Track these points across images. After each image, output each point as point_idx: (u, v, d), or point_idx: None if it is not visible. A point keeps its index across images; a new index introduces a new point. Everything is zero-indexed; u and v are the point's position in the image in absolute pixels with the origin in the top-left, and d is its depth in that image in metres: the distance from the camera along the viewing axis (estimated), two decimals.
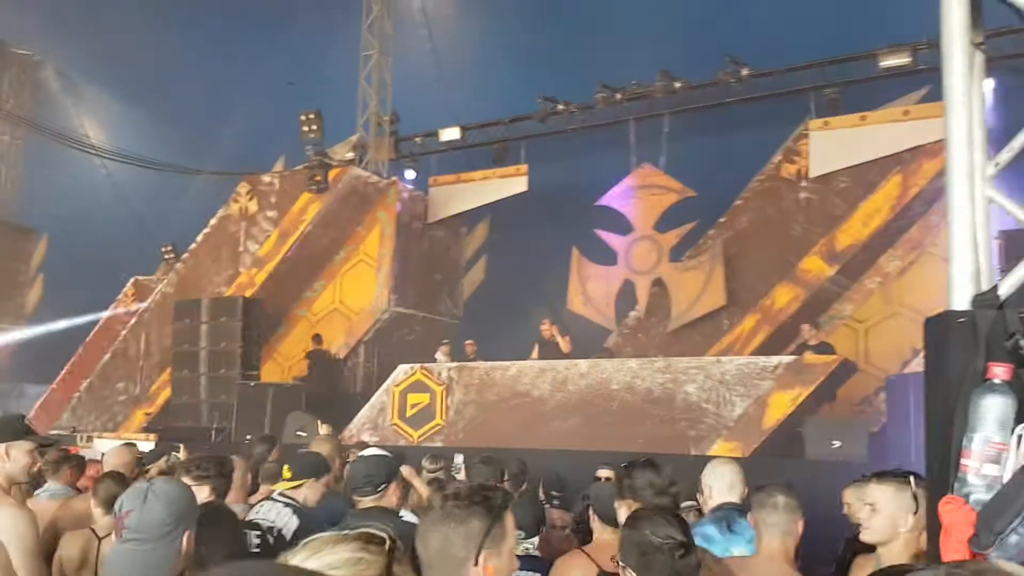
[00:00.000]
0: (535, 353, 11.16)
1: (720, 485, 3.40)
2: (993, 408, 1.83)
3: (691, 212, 12.49)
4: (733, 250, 12.24)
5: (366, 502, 3.25)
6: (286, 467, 3.91)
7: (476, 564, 1.70)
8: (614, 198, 13.04)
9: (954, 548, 1.72)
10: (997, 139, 2.33)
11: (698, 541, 3.21)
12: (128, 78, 15.29)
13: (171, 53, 14.82)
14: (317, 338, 13.48)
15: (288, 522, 3.62)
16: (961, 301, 2.05)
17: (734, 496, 3.37)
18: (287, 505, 3.72)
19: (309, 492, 3.85)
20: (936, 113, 10.80)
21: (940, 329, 2.09)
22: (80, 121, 16.00)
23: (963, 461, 1.85)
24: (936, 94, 10.94)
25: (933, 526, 1.88)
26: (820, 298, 11.79)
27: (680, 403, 9.38)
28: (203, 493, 3.33)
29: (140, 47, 14.73)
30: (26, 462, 3.01)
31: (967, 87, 1.98)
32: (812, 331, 10.33)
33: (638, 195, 12.86)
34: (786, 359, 9.25)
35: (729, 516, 3.25)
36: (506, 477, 5.57)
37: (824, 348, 9.90)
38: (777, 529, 2.89)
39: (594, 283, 12.97)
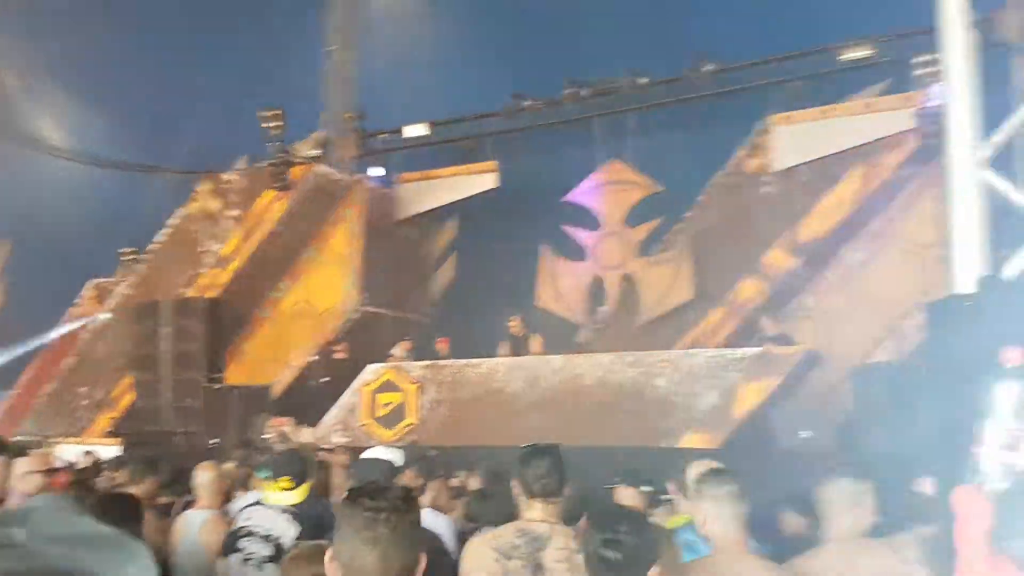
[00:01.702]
0: (504, 350, 11.13)
1: None
2: (1008, 393, 1.77)
3: (658, 207, 12.58)
4: (700, 244, 12.34)
5: None
6: (286, 477, 3.78)
7: None
8: (582, 194, 13.08)
9: (972, 540, 1.68)
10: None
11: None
12: (86, 78, 14.96)
13: (130, 51, 14.54)
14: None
15: (287, 530, 3.55)
16: (966, 284, 2.03)
17: None
18: (284, 511, 3.65)
19: (302, 496, 3.79)
20: (897, 106, 11.05)
21: (944, 313, 2.07)
22: (38, 123, 15.60)
23: (975, 449, 1.80)
24: (897, 87, 11.20)
25: (943, 515, 1.85)
26: (784, 291, 11.94)
27: (651, 396, 9.45)
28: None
29: (98, 46, 14.41)
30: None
31: (967, 67, 1.99)
32: (772, 323, 10.46)
33: (606, 191, 12.91)
34: (753, 351, 9.36)
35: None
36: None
37: (783, 339, 10.03)
38: (733, 519, 2.79)
39: (564, 279, 13.00)
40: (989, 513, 1.67)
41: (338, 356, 12.21)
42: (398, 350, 11.59)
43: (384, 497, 1.77)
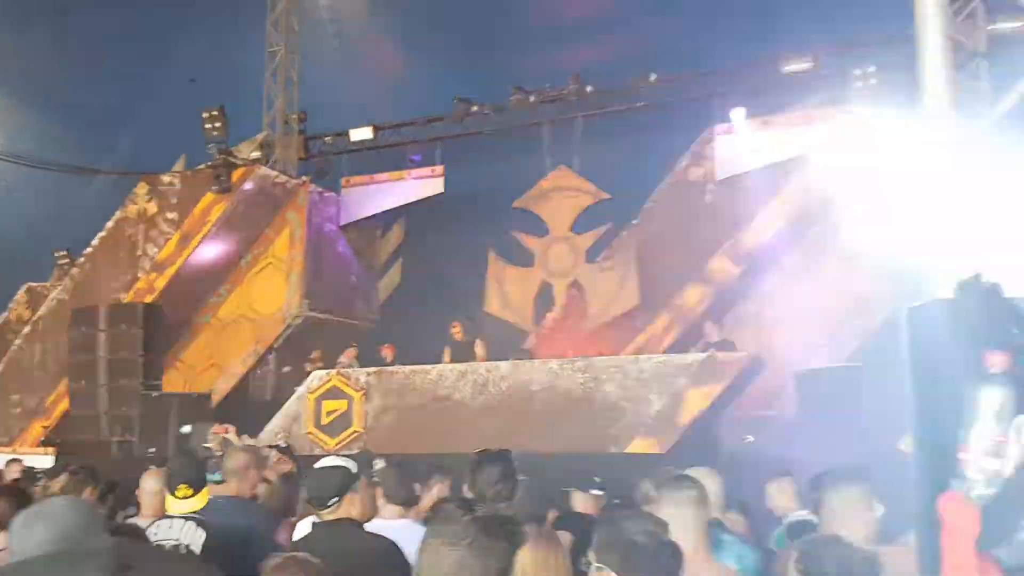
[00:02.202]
0: (447, 356, 11.06)
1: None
2: (991, 399, 1.76)
3: (605, 214, 12.69)
4: (646, 251, 12.49)
5: (324, 515, 3.15)
6: (183, 485, 3.76)
7: None
8: (530, 200, 13.11)
9: (959, 547, 1.70)
10: None
11: None
12: (19, 75, 14.40)
13: (66, 48, 14.05)
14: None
15: (195, 537, 3.53)
16: (945, 288, 2.00)
17: (714, 510, 3.23)
18: (188, 519, 3.62)
19: (203, 501, 3.79)
20: (836, 116, 11.35)
21: (926, 318, 2.04)
22: None
23: (961, 455, 1.80)
24: (836, 99, 11.50)
25: (927, 522, 1.86)
26: (727, 297, 12.16)
27: (600, 402, 9.50)
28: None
29: (33, 42, 13.90)
30: None
31: (943, 74, 2.02)
32: (715, 329, 10.64)
33: (554, 197, 12.97)
34: (700, 356, 9.49)
35: (711, 534, 3.07)
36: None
37: (726, 345, 10.20)
38: (697, 522, 2.82)
39: (511, 285, 13.01)
40: (976, 520, 1.69)
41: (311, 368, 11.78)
42: (344, 358, 11.43)
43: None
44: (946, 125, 2.00)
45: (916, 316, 2.11)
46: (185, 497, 3.73)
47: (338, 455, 3.91)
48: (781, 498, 5.21)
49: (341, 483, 3.23)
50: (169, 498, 3.81)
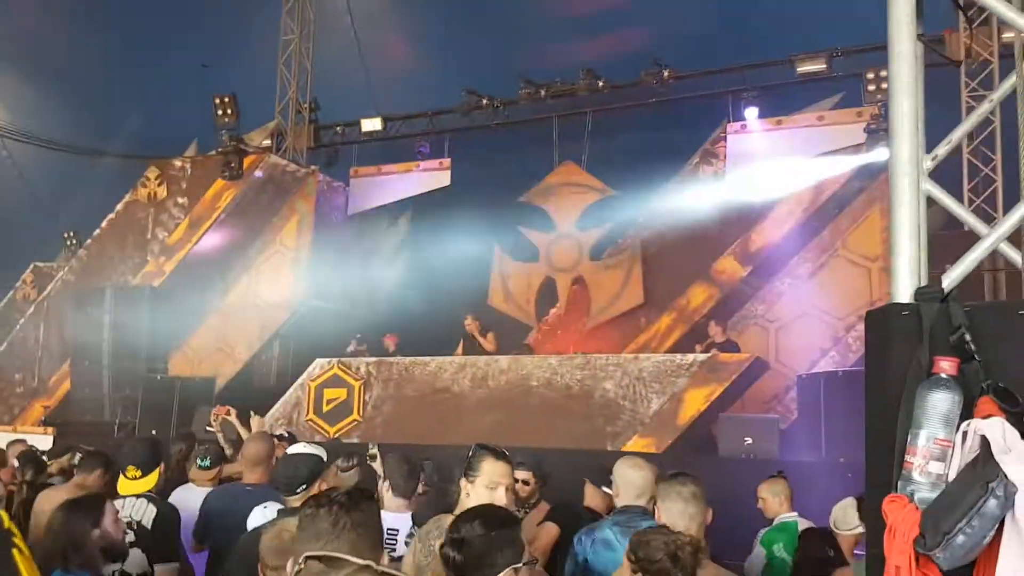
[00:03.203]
0: (460, 349, 11.10)
1: (627, 489, 3.33)
2: (939, 404, 1.78)
3: (611, 211, 12.59)
4: (651, 249, 12.41)
5: (291, 501, 3.16)
6: (131, 467, 3.93)
7: None
8: (537, 195, 13.05)
9: (899, 548, 1.69)
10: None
11: (595, 547, 3.18)
12: (33, 56, 14.48)
13: (79, 30, 14.11)
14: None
15: (145, 511, 3.72)
16: (904, 294, 2.04)
17: (642, 501, 3.29)
18: (139, 497, 3.81)
19: (152, 483, 3.94)
20: (849, 120, 11.24)
21: (882, 322, 2.07)
22: None
23: (907, 458, 1.81)
24: (849, 100, 11.40)
25: (875, 524, 1.85)
26: (733, 298, 12.05)
27: (598, 399, 9.45)
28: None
29: (46, 24, 13.97)
30: None
31: (914, 77, 1.98)
32: (719, 329, 10.55)
33: (560, 192, 12.90)
34: (701, 357, 9.41)
35: (633, 521, 3.16)
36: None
37: (730, 346, 10.12)
38: (687, 518, 2.86)
39: (515, 280, 12.96)
40: (916, 522, 1.69)
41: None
42: (352, 347, 11.45)
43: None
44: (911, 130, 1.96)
45: (873, 320, 2.12)
46: (134, 478, 3.88)
47: (311, 444, 3.91)
48: (772, 500, 5.18)
49: (311, 471, 3.24)
50: (121, 479, 3.94)
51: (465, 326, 11.19)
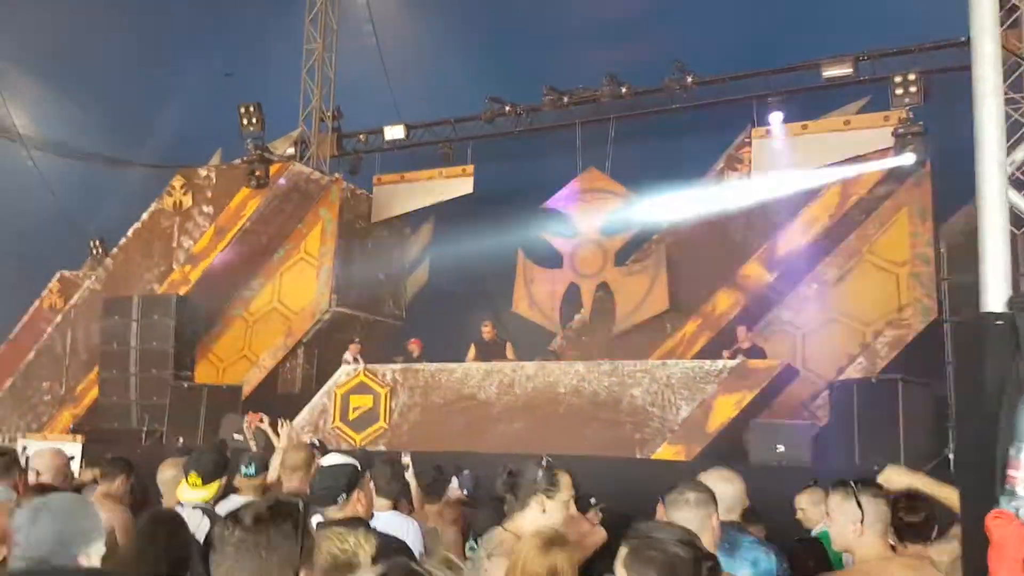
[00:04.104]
0: (471, 354, 11.03)
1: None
2: None
3: (636, 216, 12.53)
4: (676, 255, 12.35)
5: (329, 513, 3.14)
6: (193, 473, 3.88)
7: None
8: (560, 201, 13.01)
9: (1008, 566, 1.64)
10: None
11: None
12: (58, 66, 14.60)
13: (104, 39, 14.21)
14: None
15: (200, 524, 3.61)
16: (995, 302, 1.96)
17: (733, 515, 3.17)
18: (195, 508, 3.73)
19: (213, 492, 3.91)
20: (876, 124, 11.14)
21: (974, 333, 1.99)
22: (6, 109, 15.23)
23: (1011, 472, 1.75)
24: (876, 104, 11.30)
25: (975, 539, 1.80)
26: (760, 303, 11.97)
27: (626, 406, 9.41)
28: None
29: (72, 33, 14.08)
30: None
31: (999, 79, 1.94)
32: (747, 335, 10.48)
33: (584, 198, 12.86)
34: (731, 363, 9.36)
35: (732, 538, 3.00)
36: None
37: (756, 352, 10.05)
38: (691, 526, 2.76)
39: (539, 286, 12.92)
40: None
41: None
42: (348, 354, 11.38)
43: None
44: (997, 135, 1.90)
45: (963, 330, 2.07)
46: (195, 485, 3.84)
47: (343, 453, 3.91)
48: (813, 510, 5.11)
49: (349, 480, 3.22)
50: (181, 484, 3.92)
51: (483, 332, 11.16)
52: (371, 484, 4.49)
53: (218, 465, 4.01)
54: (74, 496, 2.48)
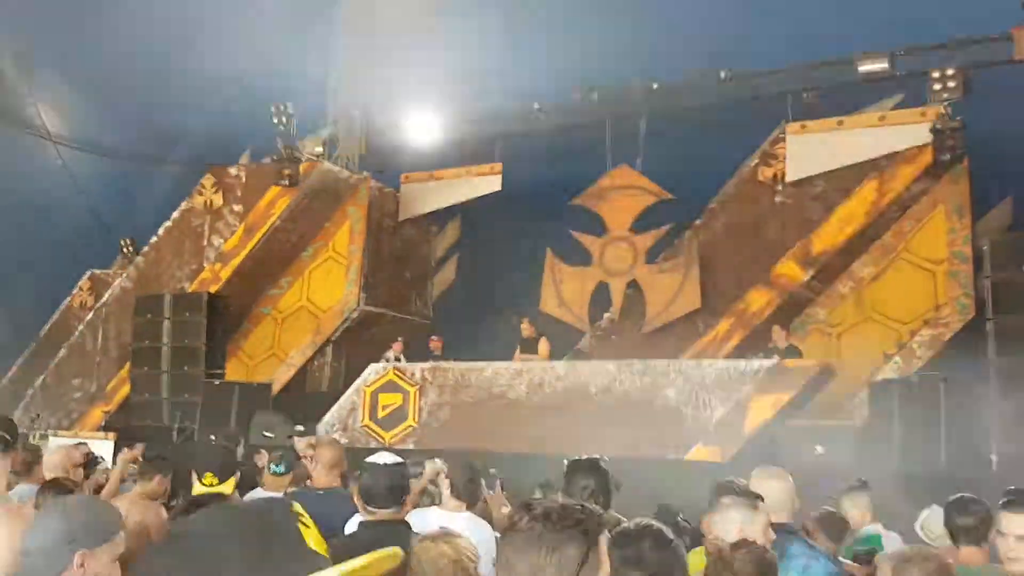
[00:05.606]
0: (517, 354, 11.02)
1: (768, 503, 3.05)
2: None
3: (667, 214, 12.38)
4: (708, 253, 12.17)
5: (382, 514, 3.05)
6: (208, 473, 3.90)
7: None
8: (589, 198, 12.88)
9: None
10: None
11: None
12: (88, 65, 14.73)
13: (134, 39, 14.31)
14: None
15: None
16: None
17: (783, 516, 3.07)
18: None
19: (229, 489, 3.91)
20: (912, 119, 10.92)
21: None
22: (36, 108, 15.39)
23: None
24: (910, 100, 11.08)
25: None
26: (794, 302, 11.79)
27: (659, 406, 9.29)
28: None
29: (102, 32, 14.19)
30: None
31: None
32: (783, 334, 10.30)
33: (614, 196, 12.71)
34: (767, 363, 9.20)
35: (779, 543, 2.87)
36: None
37: (792, 352, 9.88)
38: (749, 528, 2.69)
39: (568, 284, 12.79)
40: None
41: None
42: (391, 352, 11.41)
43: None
44: None
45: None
46: (211, 485, 3.85)
47: (388, 450, 3.84)
48: (855, 512, 4.99)
49: (408, 481, 3.14)
50: (196, 485, 3.92)
51: (522, 329, 11.12)
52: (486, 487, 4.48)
53: (227, 460, 4.06)
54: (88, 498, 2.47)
